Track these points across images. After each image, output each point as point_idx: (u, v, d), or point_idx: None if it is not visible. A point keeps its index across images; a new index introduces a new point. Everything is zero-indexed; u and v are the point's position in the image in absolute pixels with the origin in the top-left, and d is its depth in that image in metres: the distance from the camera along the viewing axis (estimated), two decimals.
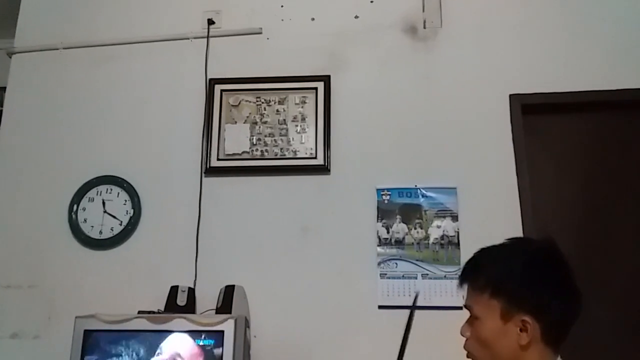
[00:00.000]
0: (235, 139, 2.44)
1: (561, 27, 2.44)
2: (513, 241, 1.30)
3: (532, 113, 2.35)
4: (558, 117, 2.39)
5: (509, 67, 2.41)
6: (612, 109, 2.36)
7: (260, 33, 2.57)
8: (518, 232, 2.18)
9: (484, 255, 1.30)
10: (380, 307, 2.20)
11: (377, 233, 2.28)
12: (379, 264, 2.24)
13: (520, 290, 1.19)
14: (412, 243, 2.25)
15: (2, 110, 2.65)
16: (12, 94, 2.65)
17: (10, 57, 2.69)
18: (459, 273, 1.33)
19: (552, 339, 1.18)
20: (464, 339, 1.29)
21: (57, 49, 2.65)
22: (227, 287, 2.13)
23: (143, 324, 1.86)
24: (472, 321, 1.26)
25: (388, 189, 2.32)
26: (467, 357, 1.28)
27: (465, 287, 1.30)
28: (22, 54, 2.69)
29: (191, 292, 2.19)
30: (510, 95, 2.37)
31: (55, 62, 2.65)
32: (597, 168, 2.34)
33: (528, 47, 2.43)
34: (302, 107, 2.46)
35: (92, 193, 2.44)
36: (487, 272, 1.25)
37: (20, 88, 2.65)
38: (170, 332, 1.83)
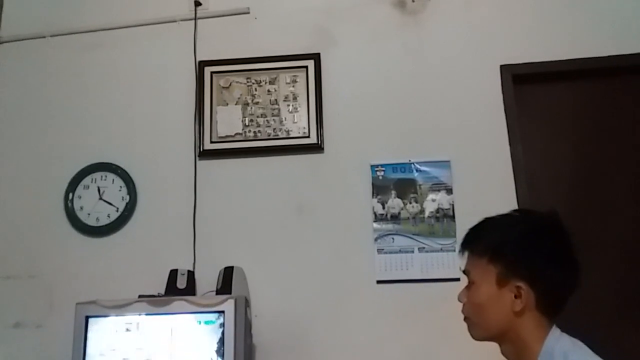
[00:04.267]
0: (228, 121, 2.44)
1: None
2: (517, 211, 1.33)
3: (523, 83, 2.34)
4: (549, 86, 2.39)
5: (498, 38, 2.40)
6: (603, 75, 2.36)
7: (248, 13, 2.55)
8: (512, 202, 2.19)
9: (487, 224, 1.32)
10: (378, 282, 2.22)
11: (373, 209, 2.29)
12: (375, 239, 2.26)
13: (517, 256, 1.21)
14: (408, 217, 2.27)
15: None
16: (1, 83, 2.62)
17: None
18: (461, 241, 1.34)
19: (548, 308, 1.20)
20: (462, 305, 1.31)
21: (44, 37, 2.62)
22: (226, 268, 2.15)
23: (144, 307, 1.88)
24: (469, 286, 1.29)
25: (382, 165, 2.32)
26: (464, 320, 1.30)
27: (466, 254, 1.32)
28: (9, 43, 2.65)
29: (190, 275, 2.20)
30: (501, 66, 2.36)
31: (43, 50, 2.62)
32: (590, 135, 2.34)
33: (517, 17, 2.42)
34: (293, 86, 2.45)
35: (86, 180, 2.44)
36: (487, 238, 1.27)
37: (9, 77, 2.62)
38: (172, 314, 1.85)
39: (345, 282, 2.24)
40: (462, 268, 1.33)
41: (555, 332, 1.20)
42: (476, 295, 1.25)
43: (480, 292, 1.24)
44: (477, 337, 1.28)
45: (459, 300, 1.31)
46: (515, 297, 1.19)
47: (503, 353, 1.27)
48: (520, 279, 1.19)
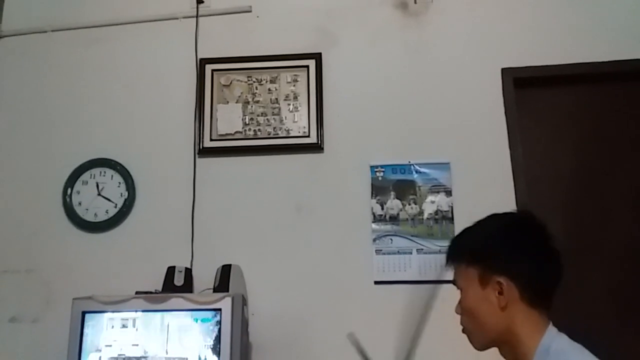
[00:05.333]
0: (228, 119, 2.44)
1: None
2: (492, 215, 1.33)
3: (524, 86, 2.35)
4: (550, 89, 2.39)
5: (500, 41, 2.41)
6: (603, 80, 2.36)
7: (250, 11, 2.55)
8: (512, 205, 2.19)
9: (464, 232, 1.34)
10: (376, 282, 2.22)
11: (372, 210, 2.29)
12: (374, 240, 2.26)
13: (493, 253, 1.23)
14: (407, 219, 2.27)
15: None
16: (1, 78, 2.62)
17: None
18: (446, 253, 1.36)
19: (533, 300, 1.20)
20: (459, 317, 1.31)
21: (46, 32, 2.62)
22: (223, 266, 2.14)
23: (140, 304, 1.87)
24: (460, 296, 1.30)
25: (382, 166, 2.32)
26: (463, 332, 1.30)
27: (452, 267, 1.33)
28: (10, 38, 2.65)
29: (188, 272, 2.20)
30: (502, 69, 2.36)
31: (44, 45, 2.62)
32: (590, 139, 2.35)
33: (519, 20, 2.42)
34: (294, 85, 2.45)
35: (85, 176, 2.44)
36: (464, 244, 1.30)
37: (9, 72, 2.62)
38: (168, 311, 1.85)
39: (343, 282, 2.24)
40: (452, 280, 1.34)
41: (552, 331, 1.20)
42: (465, 301, 1.27)
43: (468, 297, 1.26)
44: (478, 345, 1.28)
45: (457, 312, 1.31)
46: (499, 293, 1.20)
47: (502, 354, 1.27)
48: (500, 274, 1.20)
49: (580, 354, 1.15)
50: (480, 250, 1.24)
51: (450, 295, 1.39)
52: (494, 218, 1.31)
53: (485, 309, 1.22)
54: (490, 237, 1.25)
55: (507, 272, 1.20)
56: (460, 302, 1.29)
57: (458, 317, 1.32)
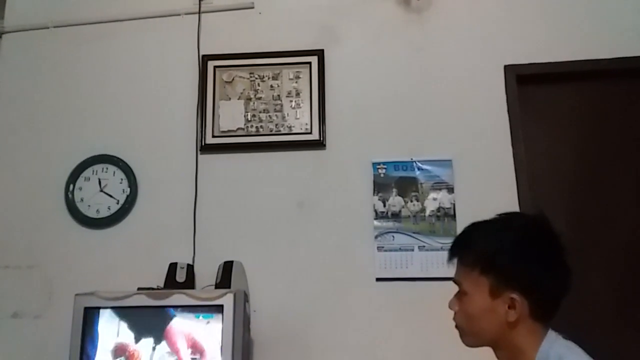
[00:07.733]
0: (230, 115, 2.43)
1: None
2: (504, 216, 1.28)
3: (527, 83, 2.34)
4: (553, 87, 2.38)
5: (503, 38, 2.40)
6: (606, 77, 2.35)
7: (252, 7, 2.54)
8: (514, 203, 2.19)
9: (474, 231, 1.29)
10: (377, 279, 2.22)
11: (374, 207, 2.29)
12: (376, 237, 2.25)
13: (510, 267, 1.19)
14: (409, 216, 2.27)
15: None
16: (3, 74, 2.62)
17: (0, 37, 2.66)
18: (449, 248, 1.32)
19: (542, 315, 1.19)
20: (453, 312, 1.29)
21: (48, 28, 2.62)
22: (225, 262, 2.14)
23: (143, 300, 1.87)
24: (460, 296, 1.26)
25: (384, 163, 2.32)
26: (455, 328, 1.29)
27: (455, 261, 1.29)
28: (12, 34, 2.65)
29: (190, 268, 2.20)
30: (505, 66, 2.36)
31: (46, 41, 2.62)
32: (593, 137, 2.34)
33: (522, 17, 2.41)
34: (296, 82, 2.44)
35: (87, 172, 2.44)
36: (477, 249, 1.24)
37: (12, 68, 2.62)
38: (170, 307, 1.85)
39: (345, 279, 2.23)
40: (453, 277, 1.30)
41: (550, 336, 1.18)
42: (469, 307, 1.23)
43: (473, 304, 1.22)
44: (469, 345, 1.27)
45: (450, 308, 1.29)
46: (509, 307, 1.17)
47: (498, 358, 1.26)
48: (514, 290, 1.17)
49: (577, 358, 1.14)
50: (497, 262, 1.19)
51: (449, 292, 1.38)
52: (511, 224, 1.26)
53: (490, 319, 1.20)
54: (508, 250, 1.20)
55: (522, 289, 1.17)
56: (460, 302, 1.26)
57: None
